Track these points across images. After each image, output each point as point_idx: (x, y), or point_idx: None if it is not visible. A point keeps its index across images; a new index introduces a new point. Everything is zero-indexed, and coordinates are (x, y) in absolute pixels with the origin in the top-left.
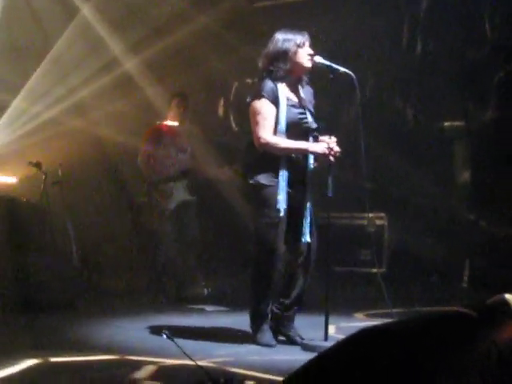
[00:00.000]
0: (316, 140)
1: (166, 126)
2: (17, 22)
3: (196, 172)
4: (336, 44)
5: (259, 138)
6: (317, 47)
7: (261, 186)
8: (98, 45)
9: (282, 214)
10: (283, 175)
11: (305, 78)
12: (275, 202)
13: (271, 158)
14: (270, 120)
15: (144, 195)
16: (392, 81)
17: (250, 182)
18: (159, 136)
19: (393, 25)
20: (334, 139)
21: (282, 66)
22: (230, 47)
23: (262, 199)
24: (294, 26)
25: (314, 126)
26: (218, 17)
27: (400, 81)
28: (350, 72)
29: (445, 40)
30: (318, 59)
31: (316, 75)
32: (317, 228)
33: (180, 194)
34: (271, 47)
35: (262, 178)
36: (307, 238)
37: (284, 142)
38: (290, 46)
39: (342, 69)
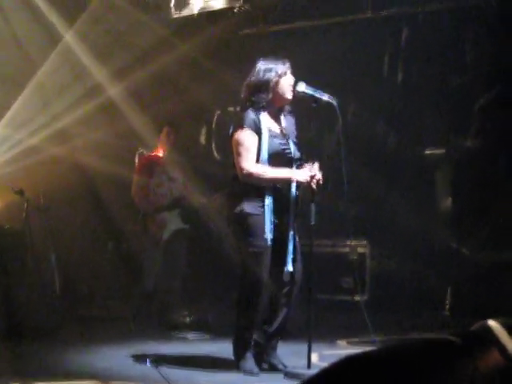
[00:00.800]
0: (299, 167)
1: (157, 156)
2: (0, 49)
3: (188, 200)
4: (318, 72)
5: (242, 169)
6: (298, 75)
7: (246, 215)
8: (81, 72)
9: (268, 243)
10: (269, 204)
11: (287, 108)
12: (261, 231)
13: (256, 187)
14: (253, 151)
15: (138, 224)
16: (374, 108)
17: (235, 211)
18: (151, 166)
19: (374, 52)
20: (316, 165)
21: (264, 97)
22: (212, 75)
23: (247, 228)
24: (277, 55)
25: (297, 155)
26: (201, 45)
27: (382, 108)
28: (333, 100)
29: (426, 67)
30: (301, 88)
31: (299, 102)
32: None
33: (173, 223)
34: (253, 77)
35: (248, 207)
36: (289, 268)
37: (268, 172)
38: (272, 76)
39: (325, 97)
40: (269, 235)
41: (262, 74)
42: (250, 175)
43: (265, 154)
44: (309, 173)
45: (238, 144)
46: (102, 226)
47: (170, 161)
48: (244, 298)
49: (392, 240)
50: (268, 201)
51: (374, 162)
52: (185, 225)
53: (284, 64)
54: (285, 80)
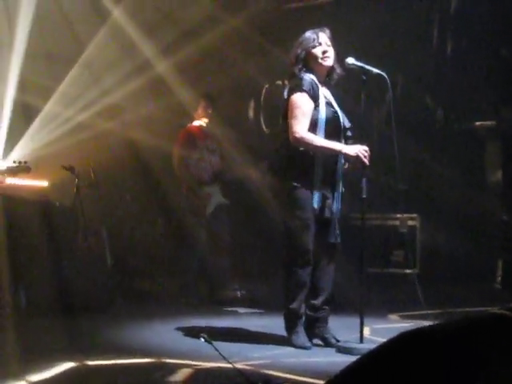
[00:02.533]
0: (349, 139)
1: (197, 127)
2: (49, 27)
3: (227, 174)
4: (366, 44)
5: (294, 132)
6: (346, 48)
7: (294, 188)
8: (130, 48)
9: (316, 214)
10: (318, 176)
11: (332, 78)
12: (309, 203)
13: (304, 159)
14: (308, 115)
15: (184, 199)
16: (423, 81)
17: (285, 182)
18: (192, 139)
19: (423, 23)
20: (365, 148)
21: (301, 66)
22: (259, 49)
23: (295, 200)
24: (322, 27)
25: (348, 124)
26: (247, 19)
27: (431, 80)
28: (383, 73)
29: (476, 38)
30: (351, 60)
31: (348, 76)
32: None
33: (216, 197)
34: (295, 48)
35: (296, 180)
36: (338, 239)
37: (319, 141)
38: (305, 44)
39: (375, 70)
40: (316, 207)
41: (298, 43)
42: (301, 139)
43: (322, 121)
44: (359, 147)
45: (295, 106)
46: (153, 201)
47: (209, 133)
48: (291, 270)
49: (442, 213)
50: (318, 173)
51: (424, 135)
52: (225, 199)
53: (316, 33)
54: (317, 49)
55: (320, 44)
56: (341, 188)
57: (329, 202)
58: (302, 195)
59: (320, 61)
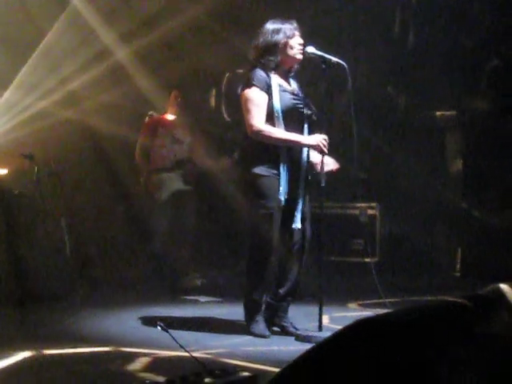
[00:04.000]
0: (312, 126)
1: (163, 117)
2: (6, 14)
3: (193, 163)
4: (327, 33)
5: (251, 126)
6: (308, 37)
7: (260, 177)
8: (89, 35)
9: (281, 204)
10: (284, 165)
11: (295, 67)
12: (274, 192)
13: (269, 149)
14: (262, 108)
15: (140, 185)
16: (384, 70)
17: (248, 172)
18: (155, 128)
19: (384, 13)
20: (324, 136)
21: (273, 58)
22: (221, 38)
23: (260, 189)
24: (285, 16)
25: (309, 111)
26: (208, 7)
27: (392, 70)
28: (342, 62)
29: (436, 28)
30: (310, 49)
31: (308, 65)
32: (310, 217)
33: (174, 184)
34: (261, 39)
35: (261, 169)
36: (298, 225)
37: (277, 133)
38: (280, 37)
39: (334, 59)
40: (282, 196)
41: (270, 35)
42: (259, 132)
43: (278, 110)
44: (319, 137)
45: (247, 101)
46: (112, 189)
47: (176, 123)
48: (254, 259)
49: (402, 202)
50: (284, 162)
51: (384, 124)
52: (186, 186)
53: (292, 25)
54: (293, 41)
55: (294, 35)
56: (306, 175)
57: (295, 190)
58: (267, 184)
59: (294, 51)
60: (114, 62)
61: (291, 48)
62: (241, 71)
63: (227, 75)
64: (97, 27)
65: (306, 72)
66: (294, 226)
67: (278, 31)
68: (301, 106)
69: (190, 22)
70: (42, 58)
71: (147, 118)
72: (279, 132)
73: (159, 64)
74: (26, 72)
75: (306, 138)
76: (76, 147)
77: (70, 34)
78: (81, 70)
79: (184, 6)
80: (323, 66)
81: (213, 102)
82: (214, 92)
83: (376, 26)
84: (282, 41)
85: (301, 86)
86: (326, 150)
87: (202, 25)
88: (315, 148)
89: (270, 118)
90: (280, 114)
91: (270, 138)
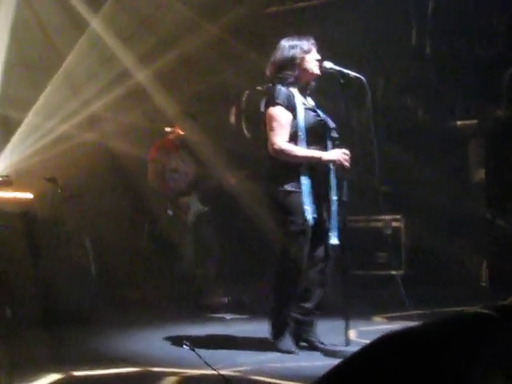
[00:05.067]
0: (335, 140)
1: (170, 139)
2: (27, 38)
3: (205, 182)
4: (345, 47)
5: (273, 145)
6: (326, 52)
7: (289, 193)
8: (109, 57)
9: (310, 221)
10: (306, 182)
11: (312, 84)
12: (302, 208)
13: (293, 165)
14: (286, 127)
15: (167, 209)
16: (403, 81)
17: (274, 189)
18: (165, 151)
19: (401, 25)
20: (345, 151)
21: (290, 73)
22: (240, 55)
23: (288, 207)
24: (303, 31)
25: (332, 125)
26: (226, 25)
27: (411, 81)
28: (361, 76)
29: (455, 37)
30: (329, 65)
31: (326, 81)
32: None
33: (195, 206)
34: (278, 54)
35: (288, 185)
36: (333, 241)
37: (298, 150)
38: (297, 52)
39: (353, 73)
40: (310, 213)
41: (287, 50)
42: (280, 151)
43: (302, 129)
44: (339, 151)
45: (272, 120)
46: (136, 210)
47: (185, 144)
48: (283, 277)
49: (426, 213)
50: (305, 178)
51: (406, 136)
52: (205, 206)
53: (308, 40)
54: (310, 56)
55: (311, 51)
56: (335, 190)
57: (324, 205)
58: (295, 200)
59: (311, 66)
60: (133, 83)
61: (308, 63)
62: (260, 88)
63: (246, 92)
64: (116, 49)
65: (325, 87)
66: (331, 242)
67: (294, 46)
68: (323, 122)
69: (209, 39)
70: (62, 82)
71: (167, 135)
72: (300, 150)
73: (179, 83)
74: (47, 95)
75: (326, 154)
76: (98, 169)
77: (90, 57)
78: (101, 93)
79: (202, 24)
80: (342, 81)
81: (233, 119)
82: (234, 109)
83: (393, 38)
84: (300, 56)
85: (318, 102)
86: (347, 163)
87: (221, 42)
88: (336, 163)
89: (294, 136)
90: (304, 133)
91: (291, 156)
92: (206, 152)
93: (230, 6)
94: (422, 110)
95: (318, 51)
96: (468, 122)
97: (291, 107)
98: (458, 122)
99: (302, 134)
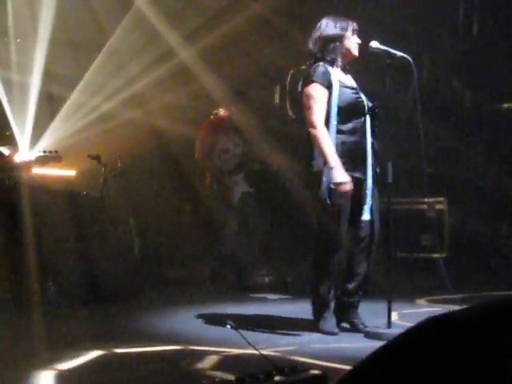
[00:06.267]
0: (374, 119)
1: (221, 118)
2: (72, 16)
3: (252, 164)
4: (391, 28)
5: (312, 123)
6: (371, 32)
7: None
8: (154, 36)
9: (348, 199)
10: (347, 160)
11: (347, 66)
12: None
13: (333, 143)
14: (322, 104)
15: (207, 187)
16: (449, 63)
17: (312, 169)
18: (215, 131)
19: (449, 5)
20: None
21: (335, 51)
22: (284, 35)
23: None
24: (347, 12)
25: (370, 104)
26: (272, 4)
27: (458, 63)
28: (407, 56)
29: (503, 19)
30: (375, 44)
31: (373, 60)
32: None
33: (240, 186)
34: (324, 31)
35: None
36: (367, 217)
37: (325, 144)
38: (339, 31)
39: (399, 53)
40: (348, 191)
41: (333, 29)
42: (314, 133)
43: (335, 107)
44: (346, 185)
45: (308, 98)
46: (179, 189)
47: (233, 125)
48: (321, 254)
49: (470, 196)
50: (346, 156)
51: (451, 118)
52: (250, 188)
53: (348, 21)
54: (352, 38)
55: (353, 33)
56: (373, 169)
57: (361, 183)
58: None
59: (352, 47)
60: (178, 62)
61: (351, 43)
62: (304, 67)
63: (291, 72)
64: (161, 28)
65: (371, 67)
66: (362, 217)
67: (338, 25)
68: (361, 99)
69: (253, 19)
70: (107, 60)
71: (212, 117)
72: (327, 144)
73: (223, 62)
74: (92, 73)
75: (337, 171)
76: (142, 148)
77: (135, 36)
78: (146, 71)
79: (247, 4)
80: (388, 61)
81: (277, 99)
82: (278, 89)
83: (440, 19)
84: (341, 35)
85: (361, 82)
86: (345, 192)
87: (265, 22)
88: (335, 184)
89: (328, 113)
90: (336, 110)
91: (317, 142)
92: (253, 133)
93: None
94: (469, 91)
95: (363, 30)
96: None
97: (327, 84)
98: (505, 105)
99: (334, 111)
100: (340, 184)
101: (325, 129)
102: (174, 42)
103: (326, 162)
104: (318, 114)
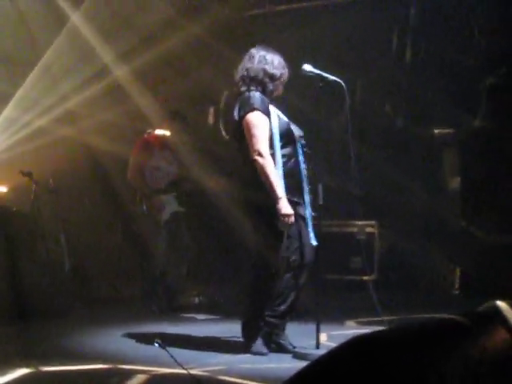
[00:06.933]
0: (304, 146)
1: (155, 137)
2: (6, 31)
3: (185, 183)
4: (324, 52)
5: (257, 151)
6: (305, 55)
7: (265, 198)
8: (89, 53)
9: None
10: (287, 185)
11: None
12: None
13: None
14: (266, 132)
15: (137, 205)
16: (382, 88)
17: (252, 196)
18: (149, 148)
19: (383, 32)
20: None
21: (271, 86)
22: (220, 56)
23: (267, 210)
24: (284, 35)
25: (300, 133)
26: (208, 26)
27: (390, 87)
28: (340, 80)
29: (435, 47)
30: (308, 68)
31: (306, 83)
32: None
33: (171, 205)
34: (271, 68)
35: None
36: (313, 242)
37: (271, 175)
38: (277, 73)
39: (332, 77)
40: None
41: (281, 67)
42: (260, 162)
43: (277, 134)
44: (289, 219)
45: (252, 126)
46: (111, 208)
47: (167, 143)
48: (258, 281)
49: (400, 220)
50: (286, 182)
51: (383, 142)
52: (181, 207)
53: (281, 57)
54: (283, 82)
55: (286, 78)
56: (309, 194)
57: (300, 208)
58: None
59: (280, 91)
60: (112, 80)
61: (280, 86)
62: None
63: (225, 93)
64: (95, 45)
65: (304, 90)
66: (310, 242)
67: (283, 67)
68: (291, 129)
69: (190, 39)
70: (41, 76)
71: (145, 135)
72: (274, 174)
73: (158, 82)
74: (25, 89)
75: (283, 202)
76: (74, 165)
77: (69, 52)
78: (80, 88)
79: (183, 24)
80: (320, 85)
81: (211, 119)
82: (212, 110)
83: (373, 44)
84: (279, 77)
85: (296, 104)
86: (288, 224)
87: (202, 43)
88: (280, 216)
89: (270, 141)
90: (277, 139)
91: (264, 173)
92: (188, 152)
93: (212, 7)
94: (400, 116)
95: (297, 53)
96: (445, 131)
97: (267, 112)
98: (436, 130)
99: (276, 138)
100: (286, 215)
101: (270, 158)
102: (108, 60)
103: (271, 192)
104: (263, 143)
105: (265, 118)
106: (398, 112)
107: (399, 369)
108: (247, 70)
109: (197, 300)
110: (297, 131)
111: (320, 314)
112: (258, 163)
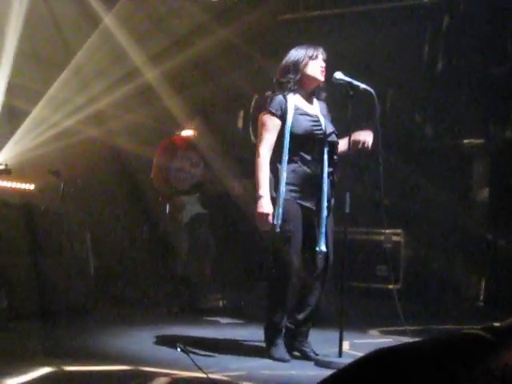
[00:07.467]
0: (332, 150)
1: (181, 138)
2: (39, 31)
3: (209, 186)
4: (356, 59)
5: (256, 151)
6: (336, 63)
7: (274, 200)
8: (120, 55)
9: (299, 227)
10: (301, 188)
11: (321, 93)
12: (292, 215)
13: (289, 172)
14: (272, 133)
15: (159, 206)
16: (412, 97)
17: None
18: (173, 149)
19: (414, 40)
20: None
21: (292, 77)
22: (250, 60)
23: (278, 213)
24: (315, 40)
25: (329, 130)
26: (240, 30)
27: (420, 97)
28: (370, 89)
29: (466, 56)
30: (338, 75)
31: (336, 91)
32: (333, 242)
33: (193, 207)
34: (286, 60)
35: (275, 192)
36: (322, 248)
37: (260, 172)
38: (300, 57)
39: (363, 85)
40: (298, 219)
41: (292, 56)
42: (256, 158)
43: (287, 135)
44: (265, 212)
45: (260, 126)
46: (137, 208)
47: (193, 145)
48: (275, 283)
49: (427, 229)
50: (299, 185)
51: (412, 151)
52: (204, 209)
53: (315, 48)
54: (315, 62)
55: (317, 57)
56: (327, 199)
57: (313, 213)
58: (285, 207)
59: (315, 72)
60: (142, 82)
61: (312, 69)
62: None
63: (255, 97)
64: (127, 47)
65: (334, 98)
66: (317, 248)
67: (300, 52)
68: (318, 128)
69: (221, 43)
70: (71, 76)
71: (178, 134)
72: (263, 173)
73: (188, 85)
74: (56, 89)
75: (263, 200)
76: (102, 165)
77: (101, 53)
78: (109, 89)
79: (215, 28)
80: (351, 93)
81: (240, 123)
82: (242, 113)
83: (405, 54)
84: (304, 61)
85: (328, 108)
86: (261, 225)
87: (232, 47)
88: (256, 214)
89: (281, 141)
90: (289, 139)
91: (255, 169)
92: (214, 155)
93: (244, 11)
94: (429, 126)
95: (329, 61)
96: (474, 141)
97: (280, 113)
98: (465, 141)
99: (286, 140)
100: (261, 214)
101: (266, 159)
102: (139, 62)
103: (256, 189)
104: (264, 144)
105: (274, 118)
106: (428, 122)
107: (424, 382)
108: (278, 69)
109: (221, 304)
110: (327, 129)
111: (343, 322)
112: (255, 163)
